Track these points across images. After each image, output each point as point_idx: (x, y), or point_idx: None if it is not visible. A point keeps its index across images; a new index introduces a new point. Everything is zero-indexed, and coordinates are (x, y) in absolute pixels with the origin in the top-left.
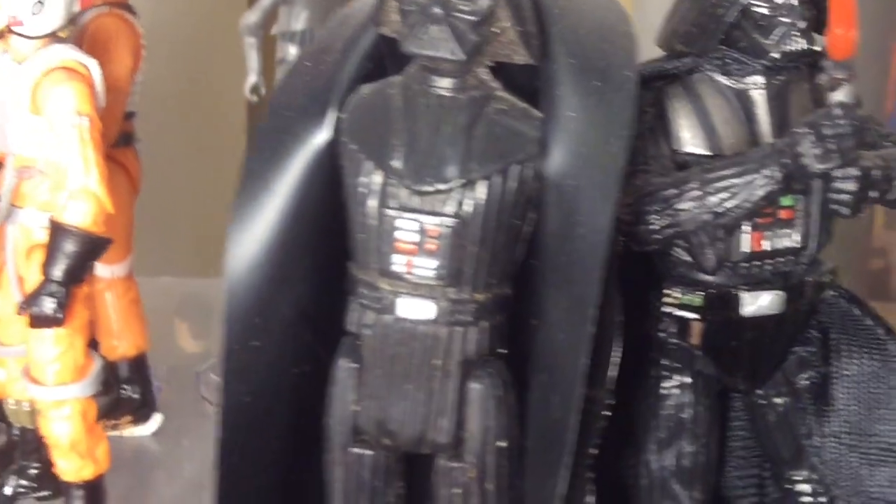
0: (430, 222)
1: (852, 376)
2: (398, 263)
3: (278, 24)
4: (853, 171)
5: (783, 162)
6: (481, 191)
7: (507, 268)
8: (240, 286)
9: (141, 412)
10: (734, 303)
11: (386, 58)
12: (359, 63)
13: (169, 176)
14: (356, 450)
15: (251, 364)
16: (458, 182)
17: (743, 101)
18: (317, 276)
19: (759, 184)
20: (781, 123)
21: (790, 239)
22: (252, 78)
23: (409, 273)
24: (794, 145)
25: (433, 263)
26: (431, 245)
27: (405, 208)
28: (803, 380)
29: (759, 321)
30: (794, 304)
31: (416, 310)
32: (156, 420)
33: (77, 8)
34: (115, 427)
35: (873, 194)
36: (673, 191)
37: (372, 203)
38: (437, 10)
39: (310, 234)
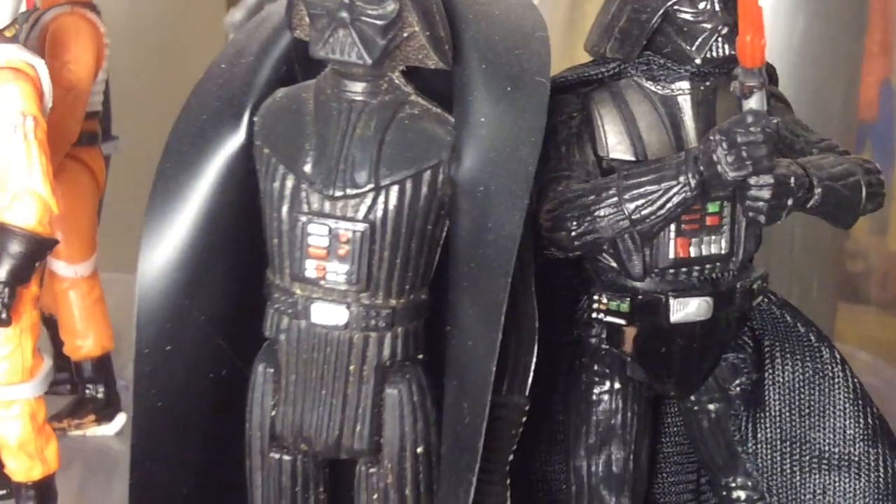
0: (342, 227)
1: (786, 383)
2: (310, 268)
3: None
4: (767, 179)
5: (698, 169)
6: (393, 196)
7: (422, 273)
8: (152, 291)
9: (105, 412)
10: (662, 309)
11: (300, 61)
12: (274, 66)
13: (143, 173)
14: (275, 455)
15: (163, 368)
16: (369, 187)
17: (669, 106)
18: (232, 282)
19: (675, 191)
20: (707, 129)
21: (717, 245)
22: None
23: (321, 278)
24: (709, 152)
25: (344, 268)
26: (342, 250)
27: (316, 213)
28: (736, 386)
29: (687, 328)
30: (724, 311)
31: (328, 315)
32: (120, 419)
33: (24, 7)
34: (78, 426)
35: (790, 202)
36: (592, 197)
37: (284, 208)
38: (343, 15)
39: (225, 240)
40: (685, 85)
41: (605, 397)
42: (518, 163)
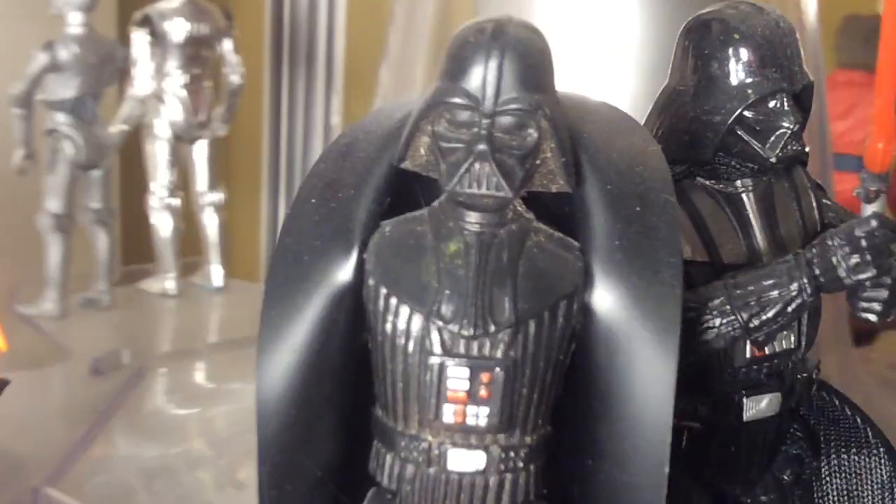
0: (483, 368)
1: (836, 469)
2: (448, 413)
3: (45, 92)
4: (887, 280)
5: (814, 273)
6: (531, 331)
7: (551, 406)
8: (269, 447)
9: None
10: (736, 408)
11: (400, 192)
12: (376, 198)
13: None
14: None
15: None
16: (508, 323)
17: (734, 204)
18: (341, 430)
19: (789, 297)
20: (770, 224)
21: (787, 340)
22: (20, 152)
23: (460, 423)
24: (826, 256)
25: (486, 411)
26: (484, 392)
27: (453, 354)
28: (790, 475)
29: (756, 424)
30: (786, 403)
31: (466, 461)
32: None
33: None
34: None
35: None
36: (700, 308)
37: (413, 350)
38: (482, 148)
39: (333, 387)
40: (748, 182)
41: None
42: (662, 286)
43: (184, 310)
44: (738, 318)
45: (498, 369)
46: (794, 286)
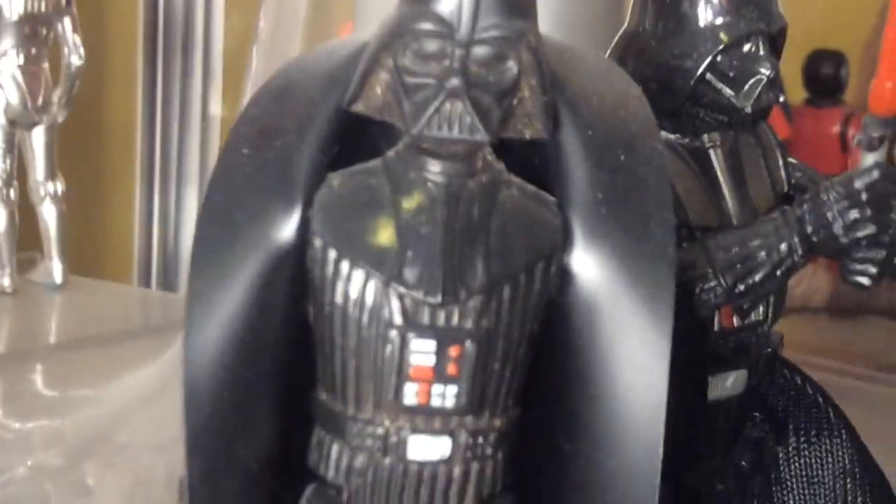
0: (451, 340)
1: (801, 452)
2: (410, 393)
3: None
4: (884, 238)
5: (805, 232)
6: (506, 296)
7: (522, 383)
8: (199, 439)
9: None
10: (700, 388)
11: (352, 138)
12: (322, 146)
13: None
14: None
15: None
16: (480, 288)
17: (700, 161)
18: (280, 416)
19: (777, 259)
20: (737, 183)
21: (756, 311)
22: None
23: (422, 404)
24: (821, 211)
25: (453, 390)
26: (452, 368)
27: (416, 325)
28: (747, 461)
29: (719, 405)
30: (750, 381)
31: (429, 448)
32: None
33: None
34: None
35: None
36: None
37: (369, 321)
38: (455, 83)
39: (271, 365)
40: (715, 136)
41: None
42: (653, 244)
43: (21, 308)
44: (722, 282)
45: (469, 342)
46: (784, 246)
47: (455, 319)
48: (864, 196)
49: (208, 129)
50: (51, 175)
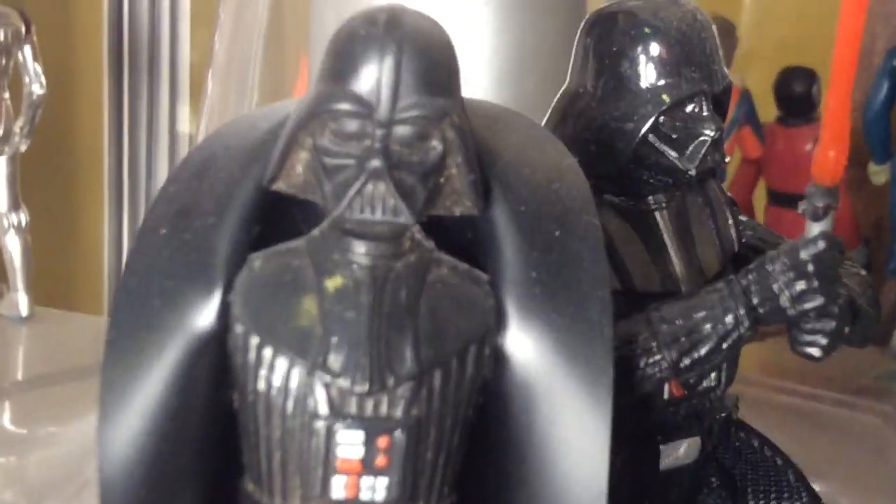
0: (379, 430)
1: None
2: (338, 487)
3: None
4: (834, 310)
5: (751, 304)
6: (437, 383)
7: (458, 470)
8: None
9: None
10: (652, 456)
11: (272, 218)
12: (242, 226)
13: None
14: None
15: None
16: (409, 376)
17: (646, 224)
18: None
19: (723, 331)
20: (685, 245)
21: (708, 378)
22: None
23: (352, 497)
24: (766, 283)
25: (384, 482)
26: (381, 460)
27: (343, 415)
28: None
29: (671, 474)
30: (704, 447)
31: None
32: None
33: None
34: None
35: (847, 329)
36: (618, 346)
37: (294, 411)
38: (377, 164)
39: (192, 458)
40: (660, 198)
41: None
42: (589, 324)
43: None
44: (667, 357)
45: (398, 431)
46: (730, 318)
47: (384, 408)
48: (810, 267)
49: (177, 148)
50: (14, 206)
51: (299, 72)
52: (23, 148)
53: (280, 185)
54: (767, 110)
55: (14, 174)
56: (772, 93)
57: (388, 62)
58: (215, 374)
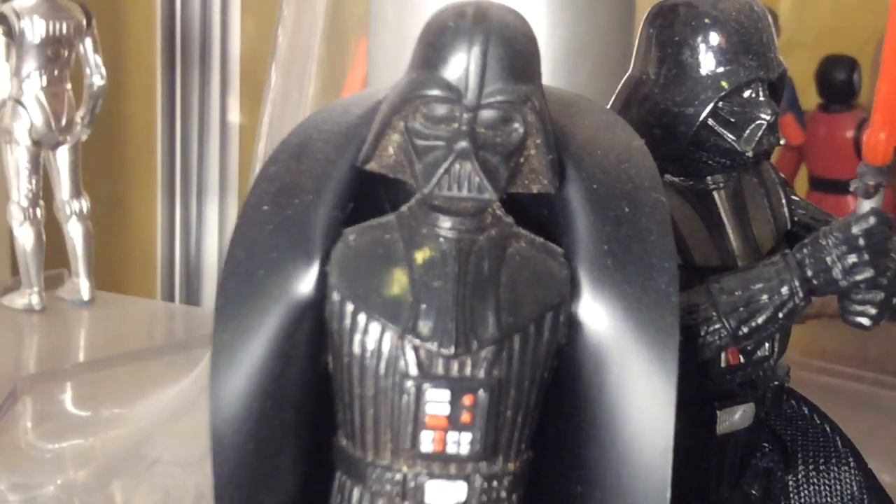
0: (464, 390)
1: (810, 481)
2: (426, 441)
3: None
4: (882, 281)
5: (806, 275)
6: (517, 347)
7: (534, 428)
8: (226, 488)
9: None
10: (709, 420)
11: (362, 196)
12: (338, 204)
13: None
14: None
15: None
16: (492, 339)
17: (704, 203)
18: (303, 463)
19: (779, 301)
20: (741, 223)
21: (763, 348)
22: None
23: (439, 452)
24: (820, 256)
25: (468, 437)
26: (466, 416)
27: (431, 376)
28: (757, 489)
29: (728, 437)
30: (758, 413)
31: (446, 494)
32: None
33: None
34: None
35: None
36: (685, 318)
37: (386, 372)
38: (464, 145)
39: (294, 415)
40: (718, 178)
41: None
42: (657, 293)
43: (50, 326)
44: (726, 325)
45: (481, 391)
46: (786, 289)
47: (468, 370)
48: (861, 241)
49: (228, 138)
50: (76, 193)
51: (357, 53)
52: (84, 137)
53: (372, 166)
54: (808, 98)
55: (76, 163)
56: (813, 80)
57: (476, 52)
58: (314, 338)
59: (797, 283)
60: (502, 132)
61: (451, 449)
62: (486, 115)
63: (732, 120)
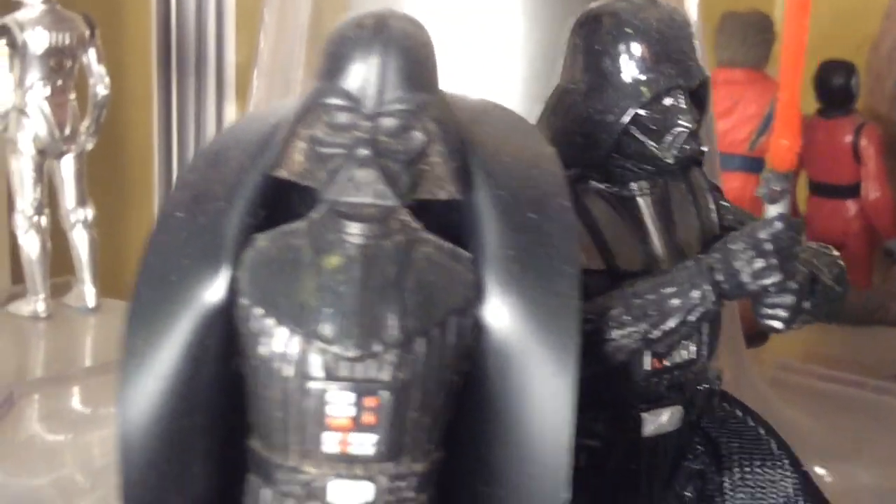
0: (367, 391)
1: (743, 483)
2: (330, 443)
3: None
4: (792, 285)
5: (716, 280)
6: (421, 350)
7: (443, 429)
8: (133, 490)
9: None
10: (634, 424)
11: (276, 202)
12: (250, 210)
13: None
14: None
15: None
16: (395, 342)
17: (629, 209)
18: (214, 465)
19: (691, 305)
20: (666, 228)
21: (687, 350)
22: None
23: (343, 453)
24: (730, 261)
25: (372, 438)
26: (369, 417)
27: (335, 378)
28: (690, 491)
29: (656, 440)
30: (688, 416)
31: (351, 494)
32: None
33: None
34: None
35: (807, 304)
36: (597, 319)
37: (292, 375)
38: (364, 152)
39: (204, 418)
40: (644, 184)
41: None
42: (558, 297)
43: (56, 333)
44: (638, 329)
45: (385, 393)
46: (696, 293)
47: (372, 372)
48: (768, 246)
49: None
50: (81, 202)
51: None
52: (89, 146)
53: (283, 173)
54: (807, 103)
55: (81, 172)
56: (811, 86)
57: (375, 61)
58: (224, 342)
59: (708, 287)
60: (403, 140)
61: (355, 450)
62: (387, 123)
63: (654, 127)
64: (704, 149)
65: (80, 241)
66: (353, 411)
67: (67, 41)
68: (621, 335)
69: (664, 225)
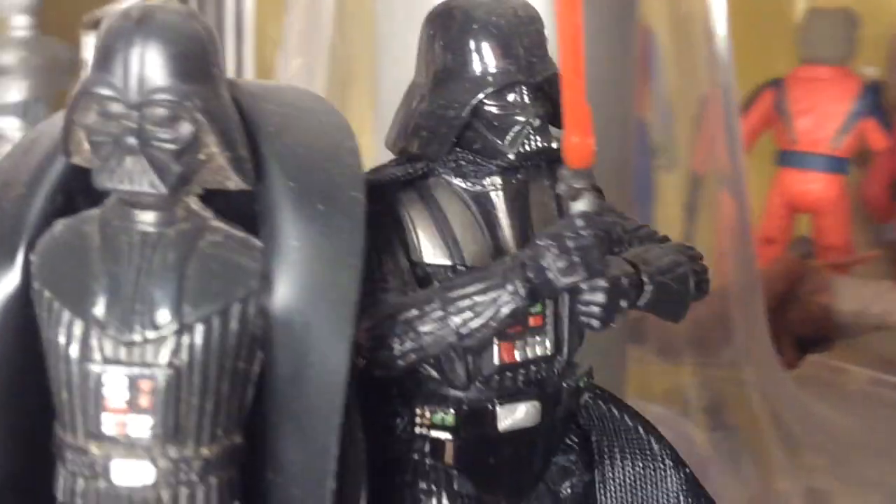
0: (142, 375)
1: (618, 481)
2: (108, 424)
3: None
4: (601, 283)
5: (527, 276)
6: (199, 335)
7: (236, 416)
8: None
9: None
10: (489, 418)
11: (79, 190)
12: (48, 196)
13: None
14: None
15: None
16: (171, 328)
17: (482, 204)
18: (19, 442)
19: (503, 301)
20: (522, 225)
21: (542, 346)
22: None
23: (121, 434)
24: (537, 258)
25: (148, 422)
26: (144, 401)
27: (111, 361)
28: (567, 488)
29: (515, 435)
30: (551, 413)
31: (132, 474)
32: None
33: None
34: None
35: (624, 303)
36: (414, 312)
37: (73, 357)
38: (131, 141)
39: (7, 396)
40: (497, 180)
41: None
42: (339, 289)
43: None
44: (450, 323)
45: (160, 377)
46: (509, 288)
47: (149, 356)
48: (570, 244)
49: None
50: None
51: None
52: None
53: (77, 160)
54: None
55: None
56: None
57: (136, 52)
58: (24, 324)
59: (519, 283)
60: (170, 129)
61: (132, 432)
62: (154, 112)
63: (496, 123)
64: (553, 145)
65: None
66: (128, 395)
67: None
68: (435, 329)
69: (519, 221)
